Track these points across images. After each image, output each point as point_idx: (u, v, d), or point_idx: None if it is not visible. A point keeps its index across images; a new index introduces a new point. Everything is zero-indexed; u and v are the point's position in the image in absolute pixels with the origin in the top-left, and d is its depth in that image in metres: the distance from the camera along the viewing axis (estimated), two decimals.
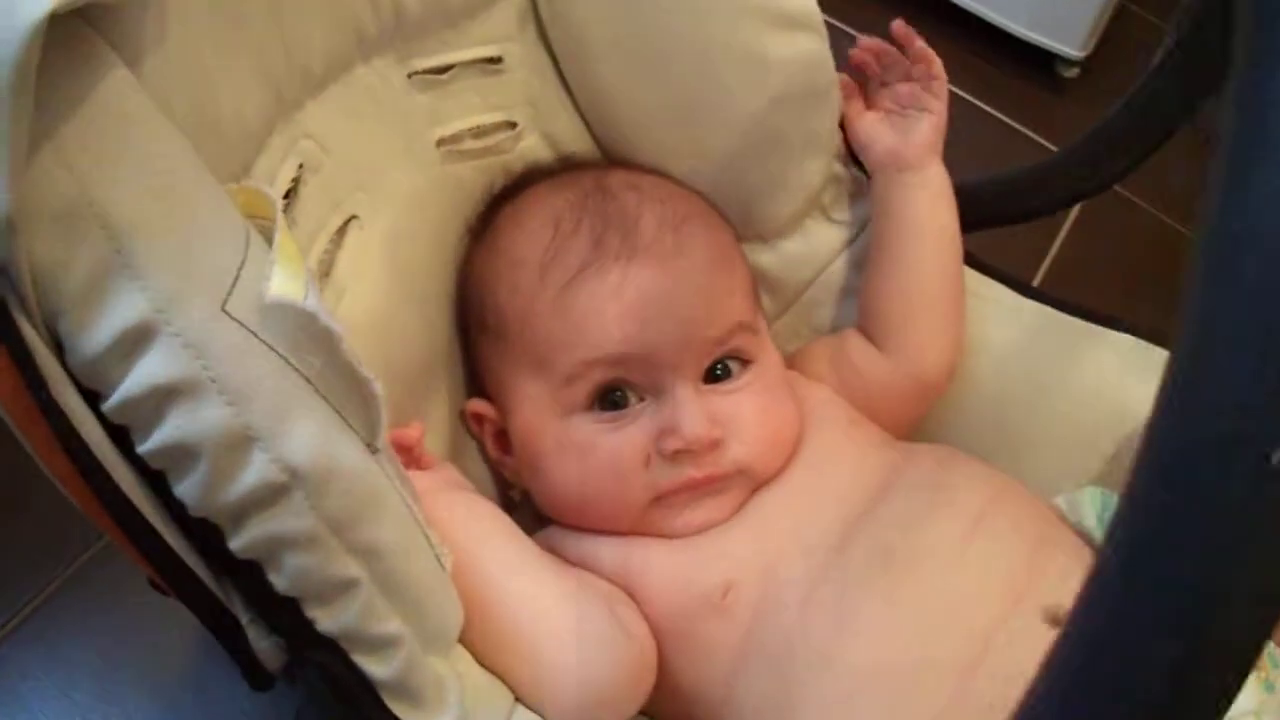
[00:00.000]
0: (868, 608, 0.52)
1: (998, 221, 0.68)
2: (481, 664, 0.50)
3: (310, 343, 0.39)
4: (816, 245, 0.68)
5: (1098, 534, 0.59)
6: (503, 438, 0.61)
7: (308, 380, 0.39)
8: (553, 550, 0.58)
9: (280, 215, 0.42)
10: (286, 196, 0.53)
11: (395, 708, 0.43)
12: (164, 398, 0.36)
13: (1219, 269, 0.20)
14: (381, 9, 0.57)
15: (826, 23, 0.63)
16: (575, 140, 0.67)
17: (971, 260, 0.69)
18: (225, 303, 0.38)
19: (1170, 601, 0.20)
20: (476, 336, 0.62)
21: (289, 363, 0.39)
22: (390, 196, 0.59)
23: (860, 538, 0.55)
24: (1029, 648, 0.50)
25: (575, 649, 0.50)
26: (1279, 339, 0.19)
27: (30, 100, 0.34)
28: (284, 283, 0.39)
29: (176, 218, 0.38)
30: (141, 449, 0.37)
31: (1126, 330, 0.68)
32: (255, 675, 0.43)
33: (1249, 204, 0.20)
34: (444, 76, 0.62)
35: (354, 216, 0.57)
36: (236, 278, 0.38)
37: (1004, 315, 0.68)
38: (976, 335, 0.68)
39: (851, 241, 0.69)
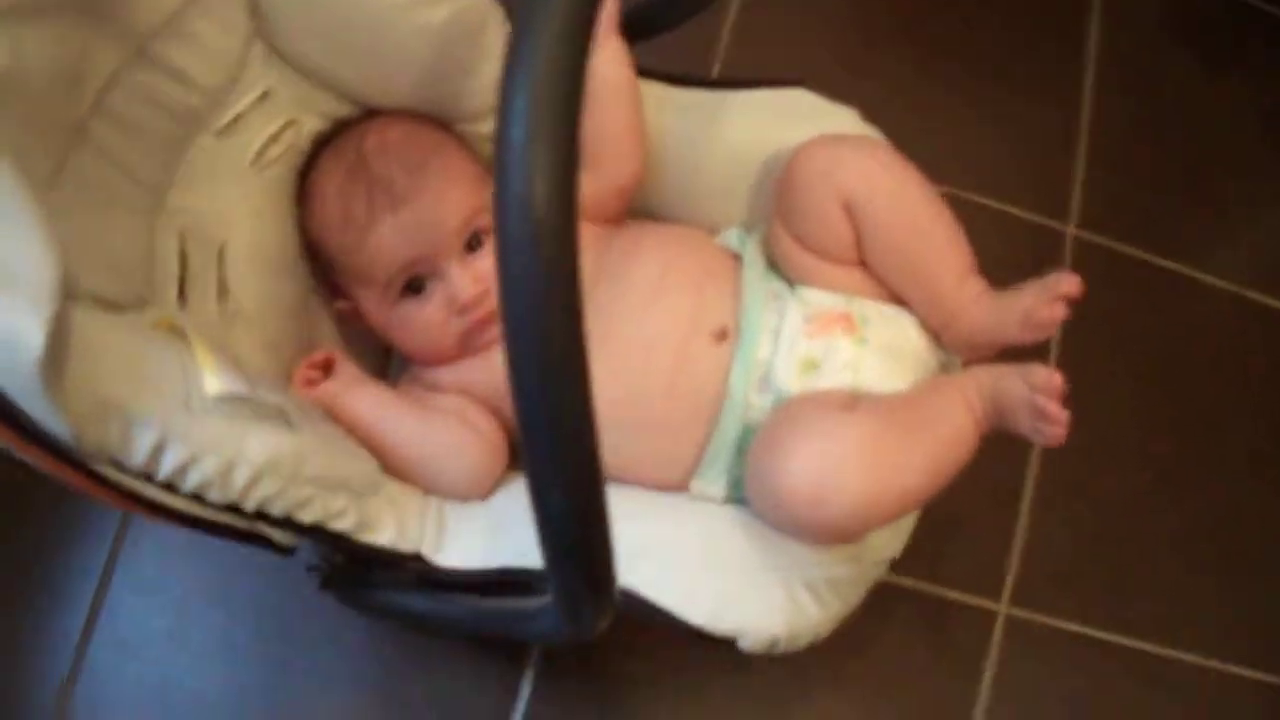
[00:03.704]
0: (599, 361, 0.87)
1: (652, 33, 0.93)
2: (401, 481, 0.87)
3: (235, 400, 0.73)
4: None
5: (740, 250, 0.95)
6: (364, 317, 0.95)
7: (244, 417, 0.73)
8: (415, 380, 0.95)
9: (193, 336, 0.75)
10: (182, 261, 0.85)
11: (361, 537, 0.80)
12: (182, 467, 0.70)
13: None
14: (182, 118, 0.85)
15: None
16: (338, 107, 0.95)
17: (646, 73, 0.95)
18: (189, 405, 0.71)
19: None
20: (326, 269, 0.94)
21: (232, 415, 0.73)
22: (240, 216, 0.90)
23: (602, 323, 0.89)
24: (705, 363, 0.87)
25: (443, 457, 0.88)
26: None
27: (59, 382, 0.65)
28: (211, 380, 0.72)
29: (152, 386, 0.69)
30: (185, 489, 0.71)
31: (758, 86, 0.96)
32: (280, 551, 0.81)
33: None
34: (238, 125, 0.90)
35: (224, 244, 0.88)
36: (188, 390, 0.71)
37: (663, 106, 0.97)
38: (654, 126, 0.96)
39: None
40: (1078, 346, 1.23)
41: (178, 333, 0.76)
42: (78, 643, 1.10)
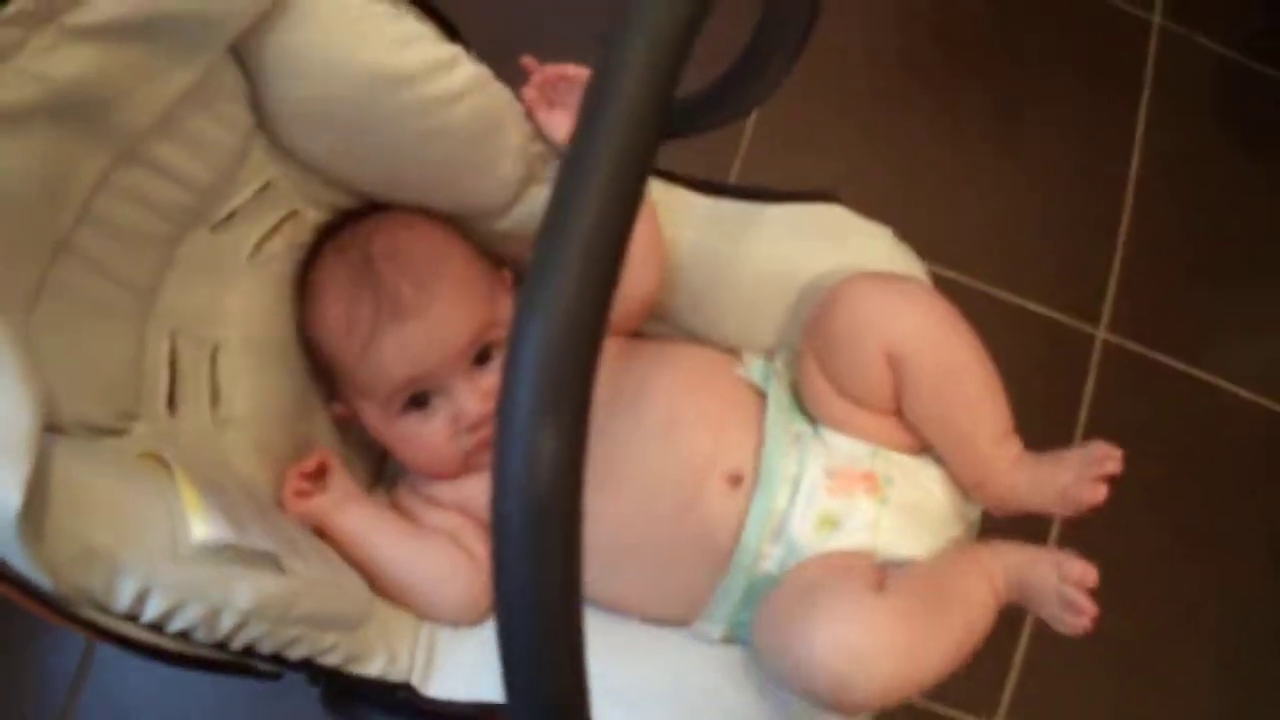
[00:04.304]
0: (608, 494, 0.83)
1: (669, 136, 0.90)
2: (392, 603, 0.84)
3: (222, 548, 0.69)
4: (538, 202, 0.89)
5: (764, 386, 0.89)
6: (362, 424, 0.90)
7: (231, 563, 0.70)
8: (413, 490, 0.90)
9: (179, 474, 0.71)
10: (172, 365, 0.81)
11: (350, 669, 0.77)
12: (168, 612, 0.66)
13: None
14: (176, 217, 0.79)
15: None
16: (343, 199, 0.90)
17: (659, 173, 0.91)
18: (174, 552, 0.68)
19: None
20: (324, 372, 0.90)
21: (219, 561, 0.69)
22: (235, 315, 0.85)
23: (609, 444, 0.85)
24: (717, 508, 0.83)
25: (434, 583, 0.84)
26: None
27: (38, 536, 0.62)
28: (198, 526, 0.68)
29: (136, 533, 0.65)
30: (168, 630, 0.68)
31: (789, 200, 0.91)
32: (264, 677, 0.77)
33: None
34: (236, 218, 0.84)
35: (217, 345, 0.84)
36: (174, 537, 0.68)
37: (688, 215, 0.91)
38: (670, 236, 0.90)
39: None
40: None
41: (164, 466, 0.72)
42: (65, 694, 1.07)
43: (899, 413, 0.86)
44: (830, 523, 0.83)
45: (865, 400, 0.85)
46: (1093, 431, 1.21)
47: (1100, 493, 0.79)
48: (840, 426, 0.87)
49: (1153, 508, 1.23)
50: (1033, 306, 1.24)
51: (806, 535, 0.83)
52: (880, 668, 0.72)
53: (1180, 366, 1.27)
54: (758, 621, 0.81)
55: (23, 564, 0.60)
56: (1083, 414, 1.19)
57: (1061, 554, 0.78)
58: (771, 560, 0.83)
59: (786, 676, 0.77)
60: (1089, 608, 0.75)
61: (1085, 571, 0.76)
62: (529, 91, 0.85)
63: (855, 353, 0.83)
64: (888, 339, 0.82)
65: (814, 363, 0.87)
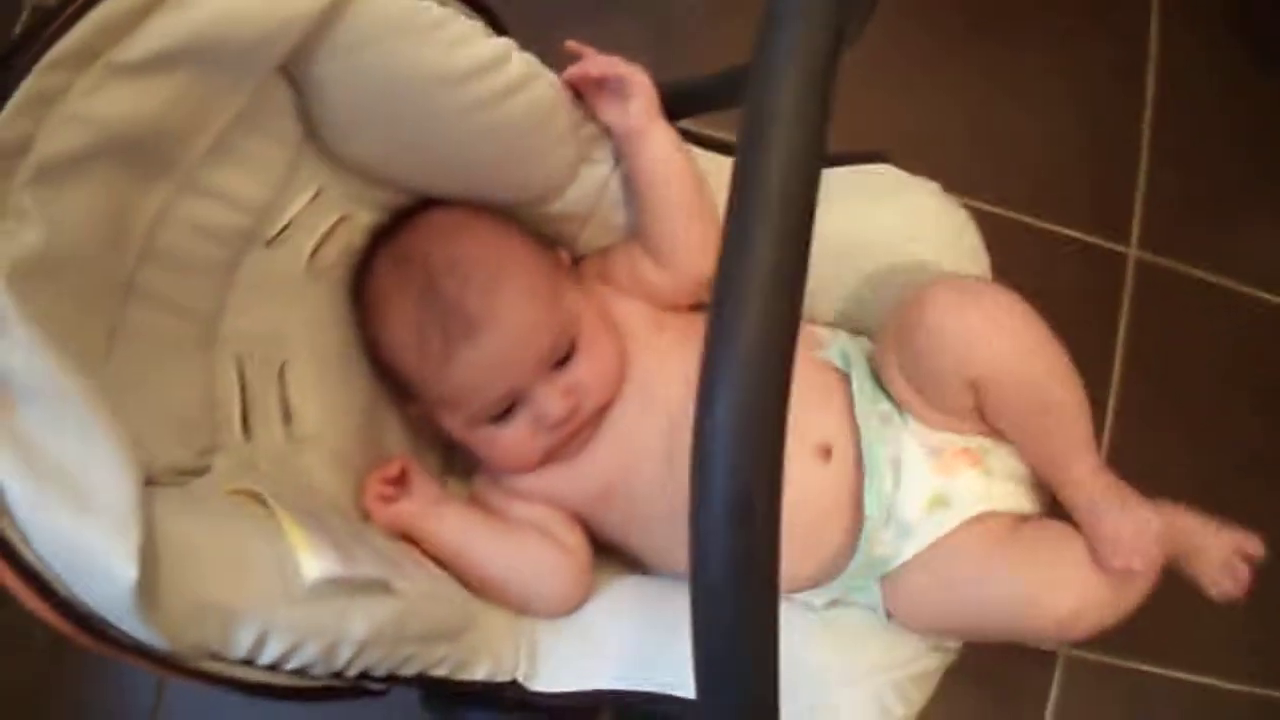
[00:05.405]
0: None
1: (707, 109, 0.84)
2: (489, 601, 0.82)
3: (335, 583, 0.67)
4: (590, 182, 0.86)
5: (846, 370, 0.87)
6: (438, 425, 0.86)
7: (345, 595, 0.68)
8: (494, 483, 0.88)
9: (278, 510, 0.68)
10: (242, 390, 0.78)
11: (456, 676, 0.76)
12: (288, 652, 0.64)
13: None
14: (232, 241, 0.75)
15: None
16: (394, 197, 0.85)
17: (708, 143, 0.87)
18: (288, 594, 0.65)
19: None
20: (393, 379, 0.86)
21: (333, 594, 0.67)
22: (298, 330, 0.82)
23: (683, 421, 0.83)
24: (805, 480, 0.81)
25: (533, 579, 0.83)
26: None
27: (154, 602, 0.59)
28: (309, 564, 0.66)
29: (248, 580, 0.63)
30: (287, 668, 0.66)
31: (839, 163, 0.87)
32: (373, 696, 0.75)
33: None
34: (289, 230, 0.80)
35: (284, 363, 0.80)
36: (286, 578, 0.66)
37: None
38: (723, 206, 0.88)
39: (615, 166, 0.86)
40: (1139, 371, 1.18)
41: (260, 503, 0.70)
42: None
43: (982, 417, 0.84)
44: (941, 502, 0.83)
45: (948, 414, 0.84)
46: (1133, 351, 1.19)
47: (1150, 574, 0.80)
48: (922, 419, 0.85)
49: (1195, 427, 1.23)
50: (1062, 229, 1.22)
51: (917, 516, 0.83)
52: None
53: (1214, 279, 1.25)
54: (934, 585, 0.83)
55: (139, 631, 0.58)
56: (1120, 333, 1.19)
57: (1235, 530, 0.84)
58: (885, 545, 0.83)
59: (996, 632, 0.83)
60: (1246, 579, 0.82)
61: (1257, 547, 0.82)
62: (579, 76, 0.81)
63: (937, 374, 0.81)
64: (970, 368, 0.79)
65: (894, 363, 0.84)
